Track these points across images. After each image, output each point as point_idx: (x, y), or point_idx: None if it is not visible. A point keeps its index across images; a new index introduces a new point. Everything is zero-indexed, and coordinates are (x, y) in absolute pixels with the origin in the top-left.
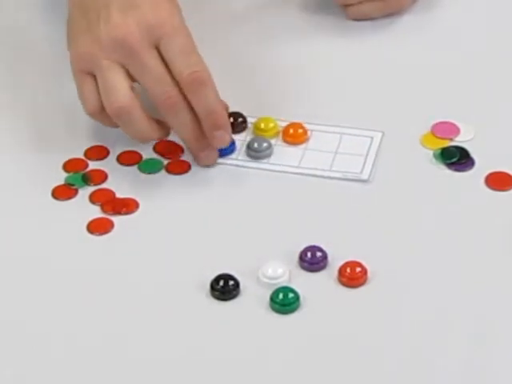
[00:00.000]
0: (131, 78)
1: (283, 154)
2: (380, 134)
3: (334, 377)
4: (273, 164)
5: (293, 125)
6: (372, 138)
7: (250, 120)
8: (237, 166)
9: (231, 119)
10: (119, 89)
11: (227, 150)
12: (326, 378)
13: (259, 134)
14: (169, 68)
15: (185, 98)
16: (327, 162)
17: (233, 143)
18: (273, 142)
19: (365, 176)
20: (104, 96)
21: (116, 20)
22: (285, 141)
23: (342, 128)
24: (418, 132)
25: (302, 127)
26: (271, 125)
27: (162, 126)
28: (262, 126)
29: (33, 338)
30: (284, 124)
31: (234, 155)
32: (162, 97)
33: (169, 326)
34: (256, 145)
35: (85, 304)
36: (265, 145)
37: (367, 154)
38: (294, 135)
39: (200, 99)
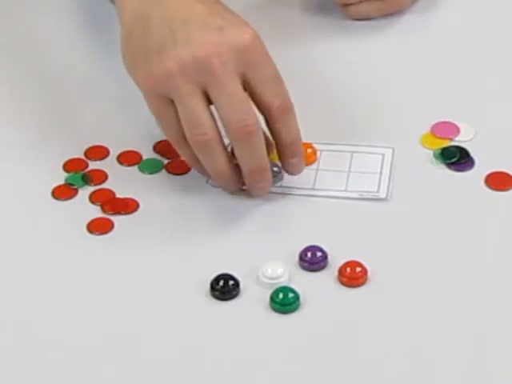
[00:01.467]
0: (209, 101)
1: (294, 176)
2: (391, 151)
3: (333, 377)
4: (285, 187)
5: (302, 145)
6: (383, 154)
7: None
8: (246, 189)
9: None
10: (205, 120)
11: (278, 178)
12: (325, 378)
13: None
14: (253, 95)
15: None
16: (342, 181)
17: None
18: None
19: (382, 195)
20: (187, 125)
21: (199, 39)
22: None
23: (351, 146)
24: (417, 132)
25: (311, 147)
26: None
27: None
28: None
29: (33, 338)
30: None
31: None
32: (239, 124)
33: (169, 326)
34: None
35: (85, 304)
36: (275, 170)
37: (381, 172)
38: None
39: (286, 128)
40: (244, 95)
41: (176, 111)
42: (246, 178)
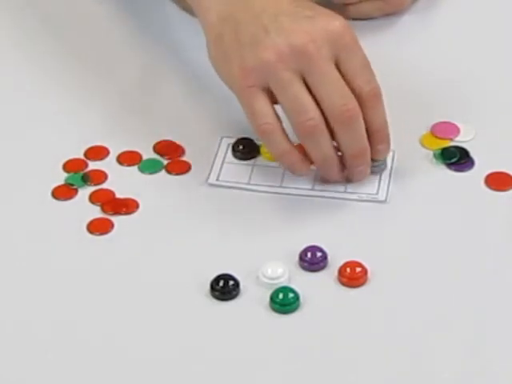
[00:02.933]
0: (308, 89)
1: (294, 176)
2: (391, 153)
3: (333, 377)
4: (285, 187)
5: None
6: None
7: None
8: (248, 190)
9: (240, 147)
10: (310, 106)
11: (380, 168)
12: (325, 378)
13: (269, 158)
14: (346, 81)
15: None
16: (341, 183)
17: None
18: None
19: (381, 197)
20: (293, 112)
21: (292, 28)
22: None
23: None
24: (418, 132)
25: None
26: None
27: None
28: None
29: (33, 338)
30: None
31: (245, 180)
32: (341, 108)
33: (169, 326)
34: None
35: (85, 304)
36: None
37: (381, 175)
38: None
39: (376, 114)
40: (341, 80)
41: (270, 101)
42: (348, 162)
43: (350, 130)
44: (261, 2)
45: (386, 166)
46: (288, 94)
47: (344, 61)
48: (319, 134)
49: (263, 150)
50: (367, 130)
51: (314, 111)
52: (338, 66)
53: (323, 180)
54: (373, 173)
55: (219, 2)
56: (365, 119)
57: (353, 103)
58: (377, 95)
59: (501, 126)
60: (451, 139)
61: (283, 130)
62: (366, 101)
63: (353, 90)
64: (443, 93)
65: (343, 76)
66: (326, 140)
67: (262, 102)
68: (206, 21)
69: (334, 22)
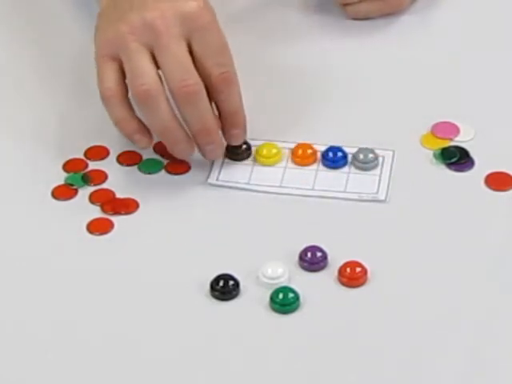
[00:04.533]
0: (157, 64)
1: (294, 176)
2: (391, 153)
3: (333, 377)
4: (285, 187)
5: (302, 145)
6: (383, 157)
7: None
8: (248, 190)
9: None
10: (147, 72)
11: (340, 163)
12: (325, 378)
13: (262, 161)
14: (196, 62)
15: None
16: (341, 182)
17: (345, 156)
18: (282, 164)
19: (381, 196)
20: (130, 78)
21: (150, 6)
22: (295, 162)
23: (352, 148)
24: (418, 132)
25: (311, 148)
26: (274, 151)
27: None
28: (265, 152)
29: (32, 338)
30: (288, 145)
31: (244, 179)
32: (180, 83)
33: (169, 326)
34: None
35: (85, 304)
36: (370, 156)
37: (381, 174)
38: (304, 156)
39: (226, 98)
40: (187, 57)
41: (119, 70)
42: (195, 139)
43: (190, 106)
44: None
45: (377, 163)
46: (130, 62)
47: (197, 42)
48: (154, 100)
49: (258, 153)
50: (220, 114)
51: (150, 77)
52: (190, 47)
53: (173, 154)
54: (366, 170)
55: None
56: (216, 103)
57: (193, 79)
58: (227, 79)
59: (501, 126)
60: (451, 139)
61: (124, 97)
62: (216, 84)
63: (202, 74)
64: (443, 93)
65: (194, 57)
66: (163, 106)
67: (109, 70)
68: (100, 5)
69: (190, 3)
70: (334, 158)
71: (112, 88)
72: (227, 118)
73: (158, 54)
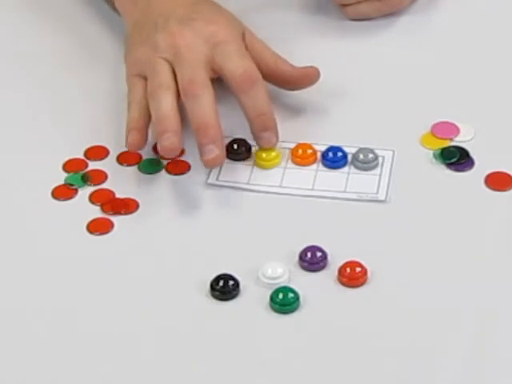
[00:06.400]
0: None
1: (294, 176)
2: (391, 153)
3: (334, 377)
4: (285, 187)
5: (302, 145)
6: (383, 157)
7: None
8: (248, 190)
9: (235, 146)
10: (164, 72)
11: (340, 163)
12: (326, 378)
13: (261, 164)
14: (220, 71)
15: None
16: (341, 182)
17: (345, 156)
18: (282, 164)
19: (381, 196)
20: (148, 83)
21: (172, 29)
22: (294, 162)
23: (351, 148)
24: (418, 132)
25: (311, 148)
26: (273, 154)
27: None
28: (264, 155)
29: (32, 338)
30: (288, 145)
31: (244, 180)
32: (185, 83)
33: (169, 326)
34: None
35: (84, 304)
36: (370, 156)
37: (381, 174)
38: (304, 156)
39: (251, 99)
40: (201, 64)
41: (145, 86)
42: (195, 137)
43: (192, 103)
44: (161, 8)
45: (377, 163)
46: (152, 71)
47: (218, 54)
48: (159, 94)
49: (257, 156)
50: (247, 118)
51: (165, 76)
52: (213, 63)
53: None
54: (366, 170)
55: (134, 11)
56: (242, 106)
57: (200, 79)
58: (250, 79)
59: (500, 126)
60: (451, 139)
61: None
62: (239, 85)
63: (225, 76)
64: (443, 93)
65: (217, 66)
66: (166, 101)
67: (137, 86)
68: (126, 26)
69: (211, 24)
70: (334, 158)
71: (139, 98)
72: (256, 120)
73: (176, 65)
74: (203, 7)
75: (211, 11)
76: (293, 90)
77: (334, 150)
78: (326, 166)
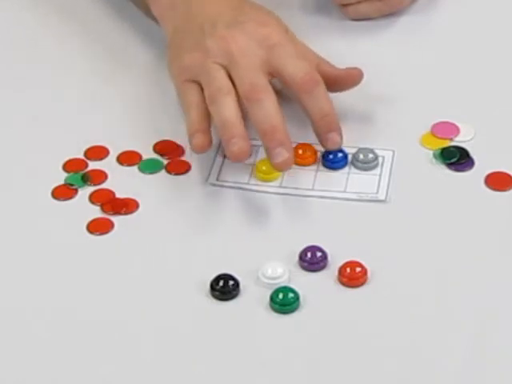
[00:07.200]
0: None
1: (294, 176)
2: (391, 153)
3: (334, 377)
4: (285, 188)
5: (302, 145)
6: (383, 157)
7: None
8: (248, 190)
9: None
10: (220, 78)
11: (340, 164)
12: (326, 378)
13: (261, 177)
14: (278, 74)
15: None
16: (341, 182)
17: (345, 157)
18: None
19: (381, 196)
20: (204, 88)
21: (222, 33)
22: (295, 162)
23: (352, 148)
24: (418, 132)
25: (311, 148)
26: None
27: None
28: (264, 168)
29: (32, 338)
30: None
31: (244, 179)
32: (247, 87)
33: (169, 326)
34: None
35: (85, 304)
36: (370, 156)
37: (381, 174)
38: (304, 156)
39: (314, 101)
40: (258, 69)
41: (200, 90)
42: (262, 142)
43: (256, 108)
44: (204, 13)
45: (377, 163)
46: (207, 76)
47: (275, 57)
48: (221, 99)
49: (258, 168)
50: (311, 120)
51: (222, 81)
52: (270, 65)
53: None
54: (366, 170)
55: (174, 17)
56: (305, 108)
57: (261, 83)
58: (312, 80)
59: (500, 126)
60: (451, 139)
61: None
62: (301, 87)
63: (286, 79)
64: (443, 93)
65: (276, 70)
66: (229, 106)
67: (192, 89)
68: (166, 32)
69: (262, 28)
70: (334, 159)
71: (202, 110)
72: (320, 122)
73: (231, 70)
74: (248, 9)
75: (257, 13)
76: (336, 91)
77: (334, 150)
78: (326, 166)
